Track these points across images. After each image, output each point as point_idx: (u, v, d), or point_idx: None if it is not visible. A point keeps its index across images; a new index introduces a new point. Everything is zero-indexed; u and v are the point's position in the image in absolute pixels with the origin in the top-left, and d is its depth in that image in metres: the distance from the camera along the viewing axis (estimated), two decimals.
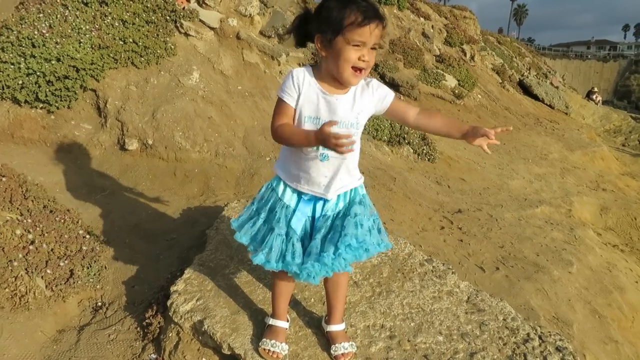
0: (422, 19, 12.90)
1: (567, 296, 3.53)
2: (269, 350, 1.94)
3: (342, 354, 1.97)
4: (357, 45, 1.59)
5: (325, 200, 1.81)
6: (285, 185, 1.85)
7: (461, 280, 2.61)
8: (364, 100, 1.74)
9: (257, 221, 1.86)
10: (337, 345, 1.99)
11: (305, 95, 1.71)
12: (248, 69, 5.30)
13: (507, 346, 2.13)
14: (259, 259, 1.81)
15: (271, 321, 2.04)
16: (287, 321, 2.09)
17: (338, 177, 1.78)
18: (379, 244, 1.83)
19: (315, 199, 1.82)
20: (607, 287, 3.97)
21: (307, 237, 1.83)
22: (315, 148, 1.71)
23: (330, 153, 1.71)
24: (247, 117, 4.68)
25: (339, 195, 1.83)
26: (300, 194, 1.83)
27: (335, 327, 2.03)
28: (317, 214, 1.82)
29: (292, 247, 1.79)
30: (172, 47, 4.84)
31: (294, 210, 1.82)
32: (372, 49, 1.63)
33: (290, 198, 1.84)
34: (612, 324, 3.41)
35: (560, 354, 2.10)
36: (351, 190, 1.85)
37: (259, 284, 2.39)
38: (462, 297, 2.47)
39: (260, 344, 1.97)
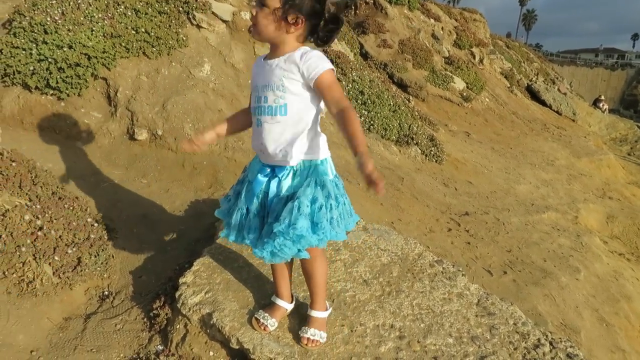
0: (432, 20, 12.86)
1: (574, 303, 3.50)
2: (259, 320, 2.05)
3: (308, 339, 1.98)
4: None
5: (280, 179, 1.81)
6: (254, 160, 1.95)
7: (471, 283, 2.59)
8: (293, 66, 1.71)
9: (231, 199, 2.01)
10: (306, 328, 2.01)
11: (255, 70, 1.88)
12: None
13: (517, 351, 2.10)
14: (224, 233, 1.97)
15: (273, 298, 2.14)
16: (291, 302, 2.15)
17: (275, 143, 1.79)
18: (320, 232, 1.74)
19: (270, 176, 1.84)
20: (614, 295, 3.94)
21: (265, 215, 1.86)
22: (253, 113, 1.85)
23: (263, 119, 1.79)
24: None
25: (294, 174, 1.81)
26: (260, 170, 1.87)
27: (313, 313, 2.04)
28: (272, 193, 1.83)
29: (249, 222, 1.87)
30: (184, 38, 4.81)
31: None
32: (260, 5, 1.68)
33: (252, 174, 1.91)
34: (619, 333, 3.39)
35: None
36: (310, 166, 1.81)
37: (268, 278, 2.37)
38: (472, 299, 2.44)
39: (255, 314, 2.09)
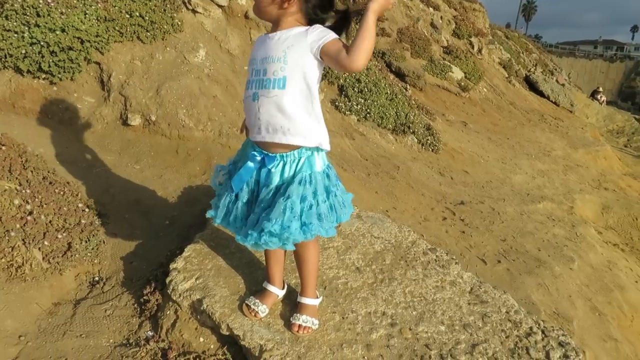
0: (431, 9, 12.76)
1: (567, 292, 3.50)
2: (250, 306, 2.04)
3: (299, 325, 1.97)
4: None
5: (269, 170, 1.78)
6: (247, 144, 1.91)
7: (464, 271, 2.58)
8: (298, 38, 1.69)
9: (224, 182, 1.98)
10: (297, 315, 2.00)
11: (256, 45, 1.85)
12: None
13: (509, 339, 2.10)
14: (210, 213, 1.96)
15: (264, 284, 2.12)
16: (282, 289, 2.14)
17: (271, 118, 1.73)
18: (308, 232, 1.73)
19: (260, 164, 1.81)
20: (608, 285, 3.94)
21: (254, 202, 1.84)
22: (249, 88, 1.79)
23: (260, 92, 1.74)
24: None
25: (284, 166, 1.77)
26: (250, 157, 1.83)
27: (304, 300, 2.03)
28: (262, 182, 1.81)
29: (236, 210, 1.85)
30: (179, 23, 4.75)
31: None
32: None
33: (244, 160, 1.87)
34: (612, 322, 3.39)
35: (563, 349, 2.07)
36: (299, 159, 1.77)
37: (260, 265, 2.35)
38: (465, 287, 2.43)
39: (246, 300, 2.07)
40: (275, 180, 1.78)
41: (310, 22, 1.75)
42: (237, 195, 1.86)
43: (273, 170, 1.78)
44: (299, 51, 1.68)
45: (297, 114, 1.72)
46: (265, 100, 1.73)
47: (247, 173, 1.82)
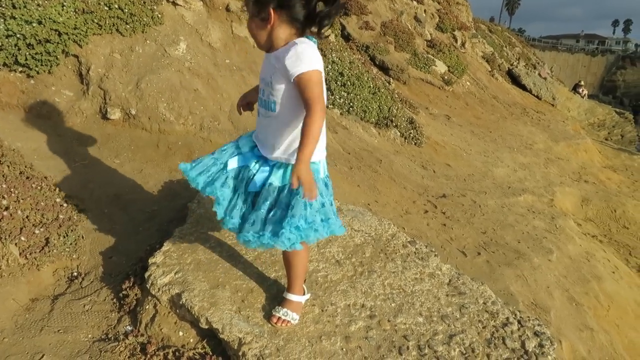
0: (414, 2, 12.77)
1: (546, 283, 3.56)
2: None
3: (278, 318, 1.99)
4: None
5: (271, 168, 1.83)
6: (247, 137, 1.97)
7: (443, 263, 2.61)
8: (279, 62, 1.69)
9: (212, 164, 2.00)
10: (279, 307, 2.02)
11: (264, 59, 1.88)
12: (237, 42, 5.18)
13: (486, 329, 2.13)
14: (219, 213, 1.95)
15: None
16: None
17: (271, 138, 1.82)
18: (329, 227, 1.80)
19: (260, 163, 1.87)
20: (585, 276, 4.01)
21: (250, 197, 1.88)
22: (259, 106, 1.87)
23: (261, 111, 1.84)
24: (234, 92, 4.58)
25: (287, 167, 1.82)
26: (251, 149, 1.90)
27: (289, 296, 2.05)
28: (260, 180, 1.85)
29: (232, 204, 1.89)
30: (159, 15, 4.70)
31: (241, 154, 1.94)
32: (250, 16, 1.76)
33: (244, 147, 1.94)
34: (588, 312, 3.46)
35: (538, 339, 2.11)
36: None
37: (240, 259, 2.35)
38: (444, 279, 2.46)
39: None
40: (278, 178, 1.82)
41: (304, 24, 1.69)
42: (235, 188, 1.90)
43: (276, 169, 1.84)
44: (280, 77, 1.71)
45: (288, 135, 1.77)
46: (265, 120, 1.82)
47: (250, 158, 1.89)
